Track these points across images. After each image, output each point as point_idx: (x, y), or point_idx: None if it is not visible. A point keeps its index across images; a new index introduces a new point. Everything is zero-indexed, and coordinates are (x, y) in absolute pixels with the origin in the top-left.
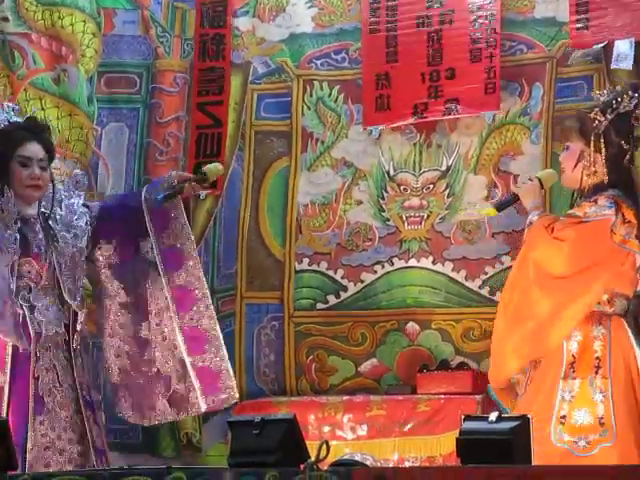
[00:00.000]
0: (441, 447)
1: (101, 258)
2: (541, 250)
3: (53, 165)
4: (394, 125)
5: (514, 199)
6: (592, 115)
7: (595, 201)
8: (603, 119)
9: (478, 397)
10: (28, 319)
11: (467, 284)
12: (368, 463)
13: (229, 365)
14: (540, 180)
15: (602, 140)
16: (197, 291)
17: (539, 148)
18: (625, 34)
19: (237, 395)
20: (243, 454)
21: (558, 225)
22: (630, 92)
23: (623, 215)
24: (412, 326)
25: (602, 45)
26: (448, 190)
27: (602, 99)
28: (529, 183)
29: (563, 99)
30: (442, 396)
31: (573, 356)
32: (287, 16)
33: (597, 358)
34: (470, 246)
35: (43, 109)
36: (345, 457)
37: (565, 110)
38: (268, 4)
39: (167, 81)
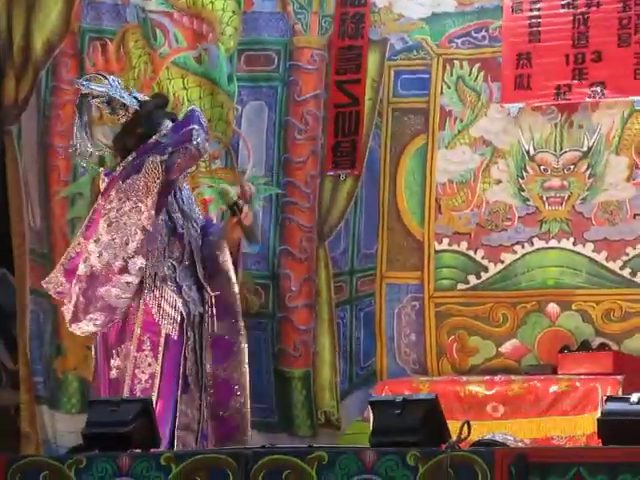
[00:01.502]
0: (582, 427)
1: None
2: None
3: None
4: (535, 105)
5: None
6: None
7: None
8: None
9: (619, 377)
10: (177, 299)
11: (608, 265)
12: (509, 443)
13: None
14: None
15: None
16: None
17: None
18: None
19: None
20: (385, 433)
21: None
22: None
23: None
24: (552, 307)
25: None
26: (589, 171)
27: None
28: None
29: None
30: (583, 376)
31: None
32: None
33: None
34: (611, 227)
35: (185, 88)
36: (486, 437)
37: None
38: None
39: (305, 58)
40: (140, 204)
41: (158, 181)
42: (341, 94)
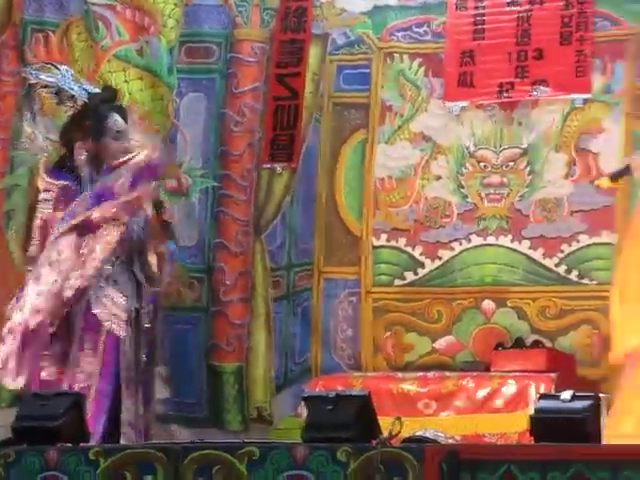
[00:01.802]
0: (515, 424)
1: None
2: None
3: (134, 137)
4: (477, 102)
5: (626, 170)
6: None
7: None
8: None
9: (553, 375)
10: (120, 297)
11: (544, 262)
12: (440, 440)
13: None
14: None
15: None
16: None
17: (620, 126)
18: None
19: None
20: (317, 429)
21: None
22: None
23: None
24: (488, 304)
25: None
26: (528, 168)
27: None
28: None
29: None
30: (517, 374)
31: None
32: None
33: None
34: (548, 224)
35: (127, 81)
36: (418, 434)
37: None
38: None
39: (245, 51)
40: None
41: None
42: (281, 87)
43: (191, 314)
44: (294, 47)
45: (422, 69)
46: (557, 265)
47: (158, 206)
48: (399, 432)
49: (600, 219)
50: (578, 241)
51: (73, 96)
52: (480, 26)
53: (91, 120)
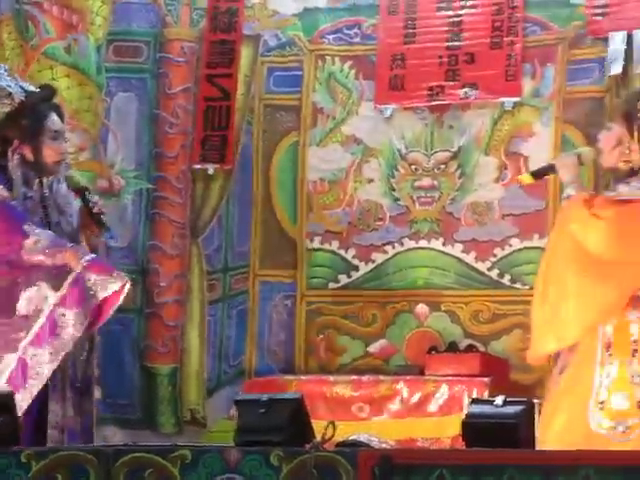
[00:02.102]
0: (449, 429)
1: None
2: (579, 225)
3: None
4: (408, 105)
5: (551, 169)
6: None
7: (627, 182)
8: None
9: (486, 379)
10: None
11: (476, 266)
12: (374, 444)
13: None
14: (579, 156)
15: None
16: None
17: (550, 130)
18: None
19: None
20: (249, 432)
21: (598, 201)
22: None
23: None
24: (422, 308)
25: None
26: (459, 171)
27: None
28: (568, 157)
29: (575, 81)
30: (450, 378)
31: (609, 340)
32: None
33: (634, 341)
34: (480, 228)
35: (54, 79)
36: (351, 438)
37: (576, 92)
38: None
39: (175, 51)
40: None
41: None
42: (212, 88)
43: (124, 315)
44: (225, 48)
45: (353, 71)
46: (489, 269)
47: (83, 194)
48: (332, 436)
49: (531, 223)
50: (510, 245)
51: (10, 93)
52: (411, 30)
53: (28, 119)
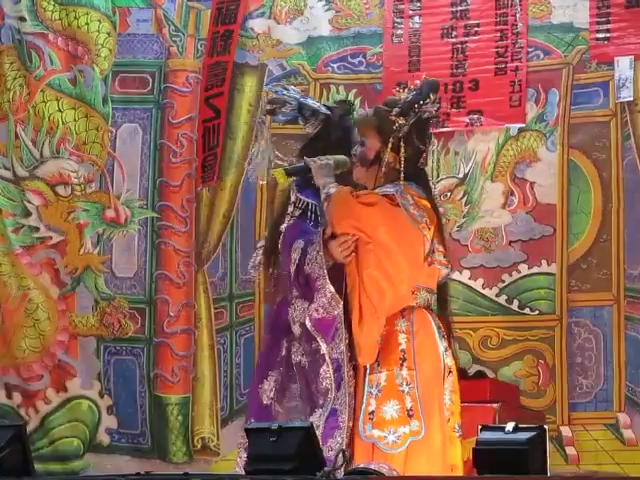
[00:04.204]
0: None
1: None
2: (359, 217)
3: (70, 168)
4: None
5: (305, 169)
6: (392, 118)
7: (382, 186)
8: (404, 122)
9: (495, 406)
10: None
11: (484, 292)
12: (384, 471)
13: None
14: (336, 162)
15: (402, 143)
16: None
17: (555, 155)
18: None
19: None
20: (260, 461)
21: (359, 193)
22: (432, 95)
23: (413, 198)
24: None
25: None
26: (465, 197)
27: (403, 98)
28: (324, 161)
29: (579, 105)
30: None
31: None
32: (304, 19)
33: (402, 350)
34: (487, 254)
35: (60, 111)
36: (361, 465)
37: (581, 117)
38: (285, 6)
39: (180, 81)
40: None
41: None
42: (208, 109)
43: (134, 345)
44: (219, 68)
45: (358, 100)
46: (497, 295)
47: None
48: (342, 464)
49: (539, 249)
50: (518, 271)
51: (315, 111)
52: (415, 57)
53: (337, 133)
